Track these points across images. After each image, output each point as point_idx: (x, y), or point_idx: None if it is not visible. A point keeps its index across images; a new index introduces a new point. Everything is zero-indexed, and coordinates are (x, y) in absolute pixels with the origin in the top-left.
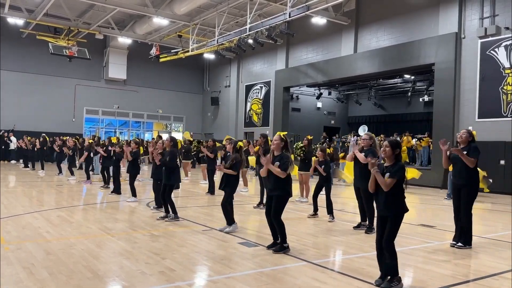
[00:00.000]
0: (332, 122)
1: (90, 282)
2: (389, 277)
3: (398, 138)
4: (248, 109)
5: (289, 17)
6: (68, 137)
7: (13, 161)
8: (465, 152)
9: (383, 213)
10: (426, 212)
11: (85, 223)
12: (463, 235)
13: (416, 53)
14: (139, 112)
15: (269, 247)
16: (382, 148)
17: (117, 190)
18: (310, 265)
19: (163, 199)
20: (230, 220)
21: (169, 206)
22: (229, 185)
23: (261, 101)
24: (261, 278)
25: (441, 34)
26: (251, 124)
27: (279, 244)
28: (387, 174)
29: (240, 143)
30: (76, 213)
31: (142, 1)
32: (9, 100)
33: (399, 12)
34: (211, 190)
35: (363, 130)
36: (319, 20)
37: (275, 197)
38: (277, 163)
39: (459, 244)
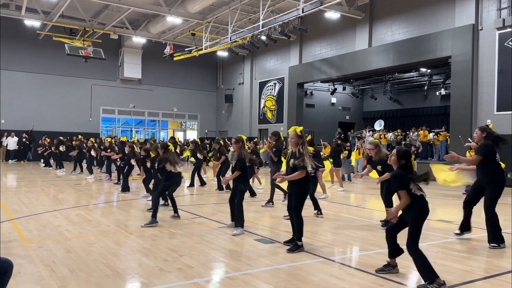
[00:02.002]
0: (347, 117)
1: (110, 279)
2: (427, 282)
3: (416, 133)
4: (262, 106)
5: (302, 12)
6: (80, 136)
7: (10, 161)
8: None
9: (404, 215)
10: (445, 207)
11: (103, 221)
12: (492, 234)
13: (432, 46)
14: (155, 111)
15: (285, 242)
16: (391, 154)
17: (124, 189)
18: (327, 261)
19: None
20: (242, 222)
21: (153, 206)
22: (239, 184)
23: (275, 98)
24: (278, 275)
25: (458, 26)
26: (265, 121)
27: (294, 241)
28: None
29: (243, 136)
30: (94, 211)
31: (155, 0)
32: (27, 102)
33: (414, 4)
34: (220, 187)
35: (379, 125)
36: (332, 15)
37: (294, 193)
38: (292, 161)
39: (493, 244)
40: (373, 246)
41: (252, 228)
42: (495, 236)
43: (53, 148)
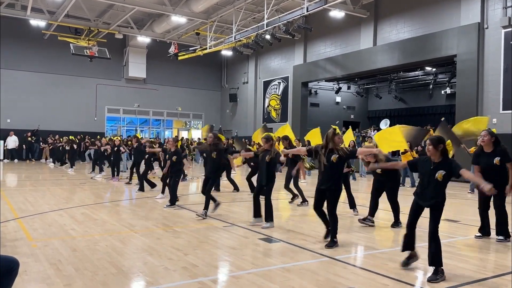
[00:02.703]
0: (352, 116)
1: (115, 278)
2: (433, 268)
3: None
4: (266, 105)
5: (307, 11)
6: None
7: (5, 160)
8: (497, 159)
9: (426, 203)
10: (450, 206)
11: (109, 220)
12: (499, 227)
13: (438, 45)
14: (159, 110)
15: (326, 237)
16: (426, 148)
17: (141, 188)
18: (332, 261)
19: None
20: (272, 217)
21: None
22: (271, 180)
23: (279, 97)
24: (283, 274)
25: (463, 24)
26: (269, 120)
27: (330, 239)
28: (440, 171)
29: (272, 135)
30: (99, 210)
31: (160, 0)
32: (32, 101)
33: (419, 3)
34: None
35: (385, 124)
36: (337, 14)
37: (332, 191)
38: (334, 156)
39: (500, 237)
40: (378, 245)
41: (257, 227)
42: (503, 229)
43: (66, 147)
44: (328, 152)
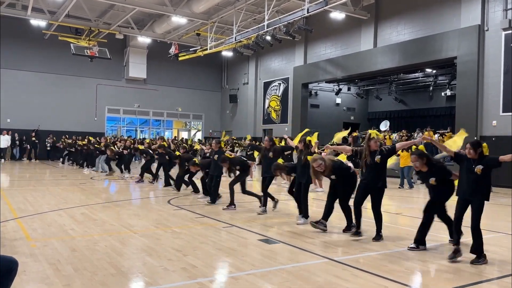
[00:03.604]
0: (352, 118)
1: (114, 278)
2: (475, 255)
3: (420, 134)
4: (266, 106)
5: (307, 12)
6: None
7: (2, 160)
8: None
9: (469, 197)
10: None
11: (108, 220)
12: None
13: (438, 47)
14: (159, 111)
15: (354, 234)
16: (466, 151)
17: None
18: (331, 262)
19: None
20: (307, 214)
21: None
22: (309, 180)
23: (279, 98)
24: (282, 275)
25: (463, 27)
26: (269, 121)
27: (376, 233)
28: (479, 166)
29: (309, 138)
30: (99, 210)
31: (161, 0)
32: (33, 101)
33: (420, 5)
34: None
35: (385, 126)
36: (337, 15)
37: (378, 189)
38: (378, 157)
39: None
40: (377, 247)
41: (256, 228)
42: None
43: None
44: (371, 153)
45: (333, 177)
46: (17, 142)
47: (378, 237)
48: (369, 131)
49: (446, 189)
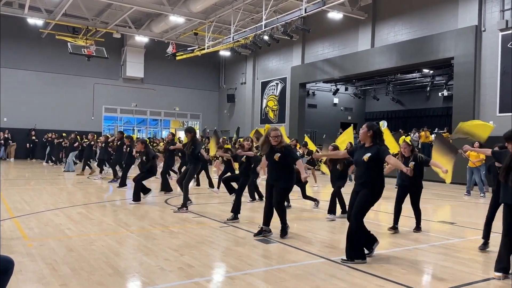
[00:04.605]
0: (349, 118)
1: (111, 278)
2: None
3: (417, 134)
4: (264, 106)
5: (305, 12)
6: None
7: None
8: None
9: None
10: (446, 208)
11: (105, 219)
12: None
13: (435, 47)
14: (157, 110)
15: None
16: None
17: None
18: (328, 262)
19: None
20: (334, 210)
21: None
22: (343, 178)
23: (277, 98)
24: (278, 275)
25: (461, 27)
26: (267, 121)
27: (416, 225)
28: None
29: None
30: (96, 210)
31: None
32: (30, 100)
33: (417, 5)
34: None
35: (382, 126)
36: (335, 15)
37: (414, 189)
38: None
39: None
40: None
41: (253, 228)
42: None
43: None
44: (405, 158)
45: (277, 156)
46: (2, 141)
47: (419, 229)
48: (403, 138)
49: None
